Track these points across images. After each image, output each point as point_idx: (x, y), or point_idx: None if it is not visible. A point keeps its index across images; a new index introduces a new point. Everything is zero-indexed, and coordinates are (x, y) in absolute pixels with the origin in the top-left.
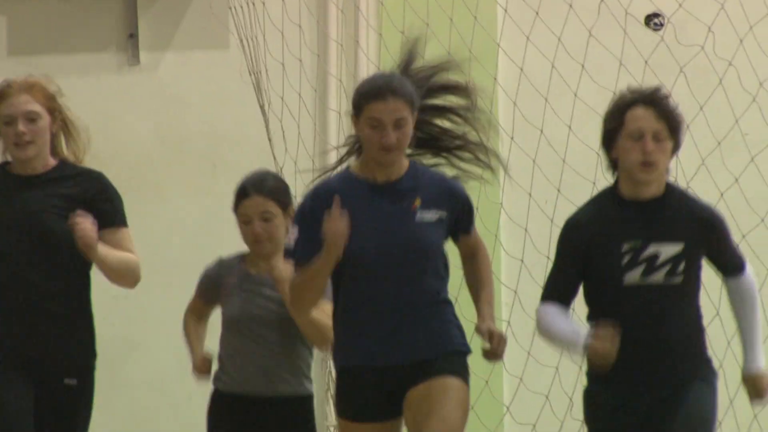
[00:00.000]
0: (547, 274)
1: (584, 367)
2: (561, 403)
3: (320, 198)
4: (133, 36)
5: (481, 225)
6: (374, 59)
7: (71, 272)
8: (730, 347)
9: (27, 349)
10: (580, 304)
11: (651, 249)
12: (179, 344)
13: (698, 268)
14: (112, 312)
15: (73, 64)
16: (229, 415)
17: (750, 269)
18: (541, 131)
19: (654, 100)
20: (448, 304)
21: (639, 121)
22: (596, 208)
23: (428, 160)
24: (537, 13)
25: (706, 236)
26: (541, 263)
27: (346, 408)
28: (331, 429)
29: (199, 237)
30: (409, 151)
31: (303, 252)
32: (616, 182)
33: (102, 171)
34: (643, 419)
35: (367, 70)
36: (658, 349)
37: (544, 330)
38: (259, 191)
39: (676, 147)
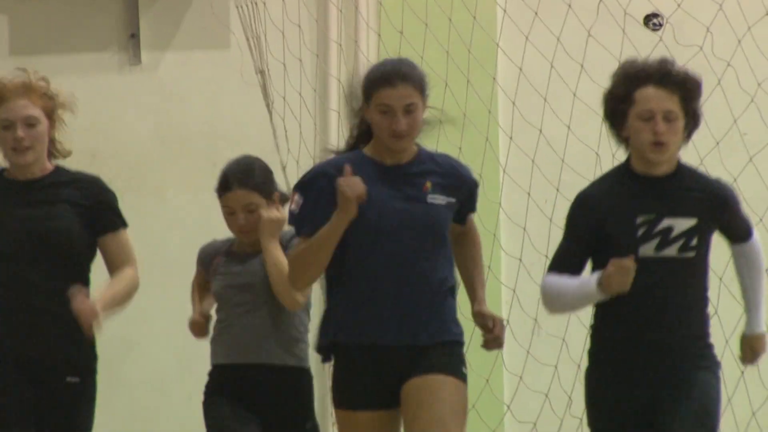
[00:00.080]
0: (557, 247)
1: (583, 366)
2: (560, 402)
3: (329, 173)
4: (134, 36)
5: (480, 224)
6: (373, 59)
7: (72, 273)
8: (728, 346)
9: (27, 350)
10: None
11: (665, 222)
12: (178, 343)
13: (709, 243)
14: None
15: (75, 63)
16: (222, 385)
17: (757, 236)
18: (540, 131)
19: (664, 78)
20: (453, 293)
21: (649, 102)
22: (608, 183)
23: None
24: (536, 14)
25: (719, 211)
26: (540, 262)
27: (343, 394)
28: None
29: (198, 236)
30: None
31: (310, 223)
32: (628, 158)
33: (103, 169)
34: (646, 403)
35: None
36: (667, 321)
37: (551, 294)
38: (242, 185)
39: (692, 118)
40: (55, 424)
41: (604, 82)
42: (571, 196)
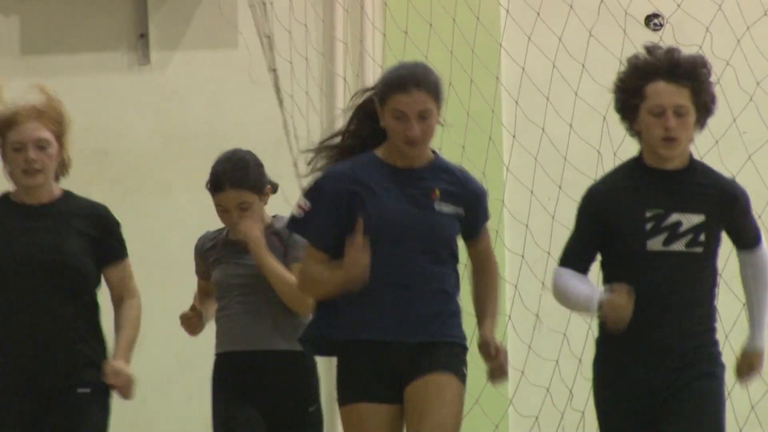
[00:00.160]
0: (567, 240)
1: (584, 360)
2: (562, 396)
3: (340, 179)
4: (143, 36)
5: None
6: (379, 59)
7: (80, 299)
8: (728, 341)
9: (37, 375)
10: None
11: (674, 217)
12: (179, 343)
13: (718, 240)
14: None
15: (85, 63)
16: (228, 372)
17: (766, 246)
18: (543, 130)
19: (673, 72)
20: (456, 304)
21: (660, 97)
22: (619, 177)
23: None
24: (538, 14)
25: (728, 210)
26: (543, 259)
27: (345, 389)
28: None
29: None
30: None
31: (319, 233)
32: (640, 152)
33: (113, 168)
34: (649, 401)
35: (372, 69)
36: (676, 319)
37: (558, 292)
38: (234, 185)
39: (703, 108)
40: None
41: (606, 82)
42: (574, 193)
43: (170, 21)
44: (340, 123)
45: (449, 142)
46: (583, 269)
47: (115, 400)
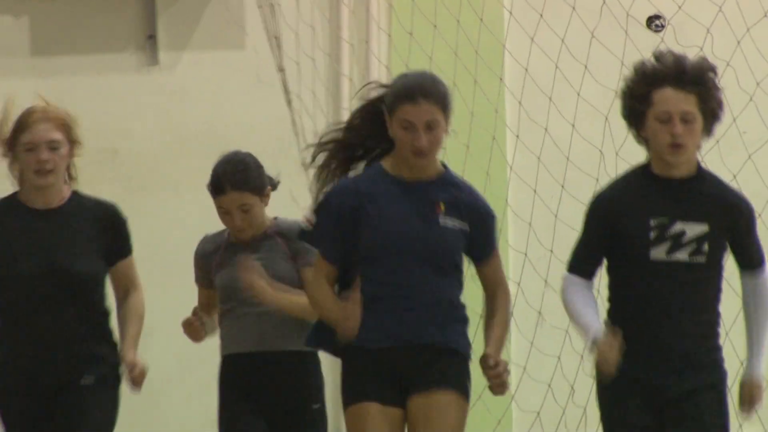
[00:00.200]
0: (575, 244)
1: (586, 356)
2: (563, 391)
3: (344, 194)
4: (151, 37)
5: None
6: (384, 59)
7: (84, 301)
8: (728, 338)
9: (39, 376)
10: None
11: (677, 226)
12: (182, 341)
13: (722, 251)
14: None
15: (94, 64)
16: (234, 374)
17: None
18: (546, 130)
19: (680, 78)
20: (462, 315)
21: (667, 104)
22: (625, 184)
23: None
24: (541, 15)
25: (733, 221)
26: (545, 257)
27: (350, 390)
28: None
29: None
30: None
31: (328, 246)
32: (648, 160)
33: (123, 166)
34: (653, 398)
35: (377, 70)
36: (678, 325)
37: (564, 304)
38: (235, 187)
39: (711, 115)
40: (66, 422)
41: (608, 82)
42: (576, 192)
43: (178, 22)
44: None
45: (453, 142)
46: (591, 273)
47: (124, 394)
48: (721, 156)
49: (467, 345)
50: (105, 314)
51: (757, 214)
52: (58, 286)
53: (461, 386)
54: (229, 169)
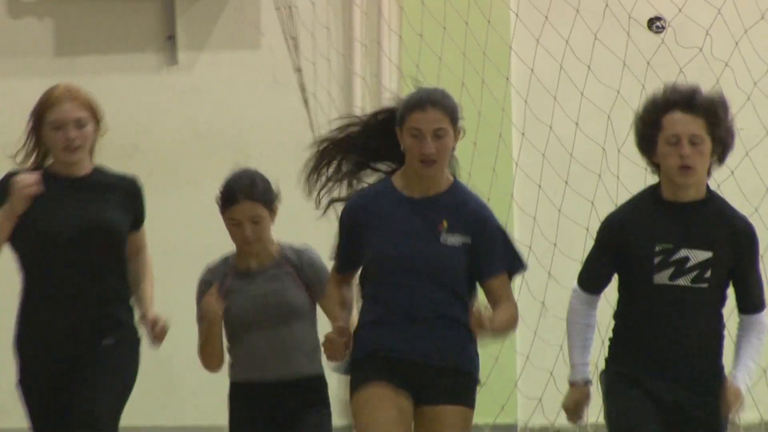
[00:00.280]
0: (585, 259)
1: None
2: (565, 379)
3: (353, 211)
4: (171, 38)
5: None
6: (395, 59)
7: (119, 264)
8: (726, 330)
9: (70, 337)
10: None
11: (682, 253)
12: (192, 336)
13: (725, 277)
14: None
15: (116, 63)
16: (245, 401)
17: (766, 322)
18: (551, 128)
19: (690, 103)
20: (468, 332)
21: (676, 126)
22: (634, 208)
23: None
24: (546, 18)
25: (736, 247)
26: (549, 251)
27: (359, 376)
28: None
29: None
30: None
31: (341, 263)
32: (659, 184)
33: (143, 162)
34: (655, 396)
35: (388, 69)
36: (680, 348)
37: (567, 321)
38: (248, 197)
39: (720, 142)
40: (91, 372)
41: (610, 82)
42: (579, 188)
43: (197, 24)
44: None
45: (462, 140)
46: (598, 289)
47: (147, 386)
48: None
49: (476, 368)
50: (126, 279)
51: (754, 209)
52: (89, 240)
53: (468, 401)
54: (241, 181)
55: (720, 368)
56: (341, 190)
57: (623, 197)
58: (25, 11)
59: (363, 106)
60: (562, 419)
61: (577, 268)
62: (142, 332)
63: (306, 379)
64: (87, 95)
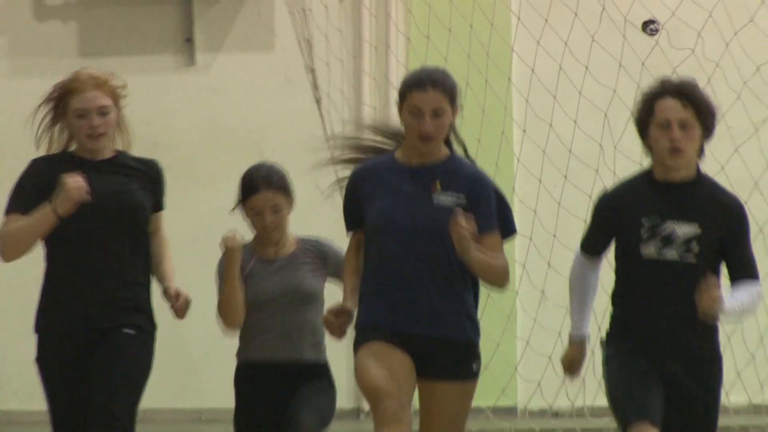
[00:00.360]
0: (585, 229)
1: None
2: None
3: (354, 179)
4: (189, 40)
5: None
6: (403, 60)
7: (143, 245)
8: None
9: (90, 308)
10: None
11: (668, 226)
12: (212, 322)
13: (716, 255)
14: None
15: (137, 64)
16: (252, 383)
17: (761, 288)
18: (550, 125)
19: (680, 91)
20: (463, 289)
21: (667, 111)
22: (628, 187)
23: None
24: (546, 20)
25: (724, 222)
26: (549, 241)
27: (362, 338)
28: (362, 415)
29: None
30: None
31: (347, 219)
32: (651, 166)
33: (162, 158)
34: (656, 364)
35: (396, 70)
36: (672, 325)
37: (569, 283)
38: (269, 186)
39: (707, 131)
40: (107, 361)
41: (607, 82)
42: (577, 182)
43: (214, 27)
44: (368, 117)
45: (466, 136)
46: (598, 253)
47: (167, 370)
48: (711, 148)
49: (476, 333)
50: (147, 262)
51: (743, 201)
52: (112, 220)
53: (468, 374)
54: (261, 171)
55: (716, 348)
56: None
57: None
58: (50, 15)
59: (372, 104)
60: (560, 402)
61: None
62: (160, 316)
63: (310, 364)
64: (110, 81)
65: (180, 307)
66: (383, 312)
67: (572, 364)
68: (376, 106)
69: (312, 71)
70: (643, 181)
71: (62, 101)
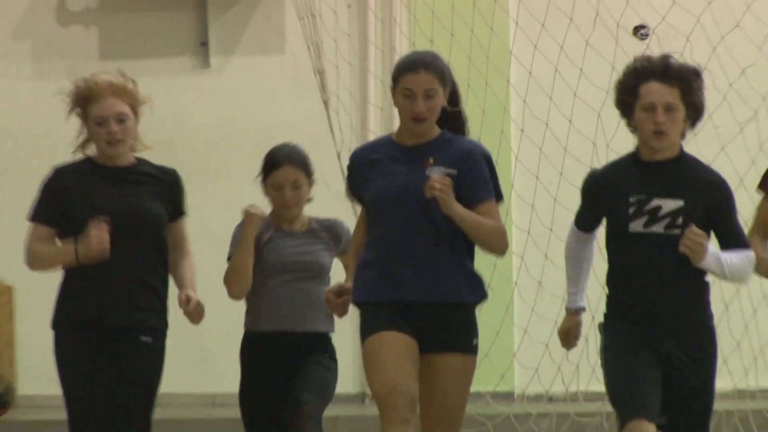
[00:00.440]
0: (578, 208)
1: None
2: (559, 351)
3: (355, 160)
4: (204, 44)
5: None
6: None
7: (154, 247)
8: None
9: (109, 312)
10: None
11: (654, 202)
12: (235, 311)
13: (702, 228)
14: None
15: (154, 67)
16: (260, 351)
17: (753, 254)
18: (547, 125)
19: (665, 73)
20: (460, 253)
21: (651, 95)
22: (615, 166)
23: None
24: (543, 26)
25: (708, 197)
26: (545, 235)
27: (368, 326)
28: (367, 400)
29: None
30: None
31: (351, 194)
32: (637, 147)
33: (177, 156)
34: (651, 345)
35: None
36: (662, 293)
37: (565, 255)
38: (291, 162)
39: (693, 109)
40: (128, 373)
41: (600, 84)
42: (572, 179)
43: (227, 31)
44: (373, 117)
45: (467, 135)
46: (591, 228)
47: (182, 356)
48: (698, 147)
49: (478, 296)
50: (163, 268)
51: None
52: (132, 226)
53: (468, 347)
54: (283, 149)
55: (709, 324)
56: None
57: None
58: (72, 20)
59: (378, 104)
60: (556, 387)
61: None
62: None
63: (315, 334)
64: (128, 88)
65: (191, 312)
66: (381, 284)
67: (568, 333)
68: (383, 107)
69: (321, 73)
70: (629, 162)
71: (84, 108)
